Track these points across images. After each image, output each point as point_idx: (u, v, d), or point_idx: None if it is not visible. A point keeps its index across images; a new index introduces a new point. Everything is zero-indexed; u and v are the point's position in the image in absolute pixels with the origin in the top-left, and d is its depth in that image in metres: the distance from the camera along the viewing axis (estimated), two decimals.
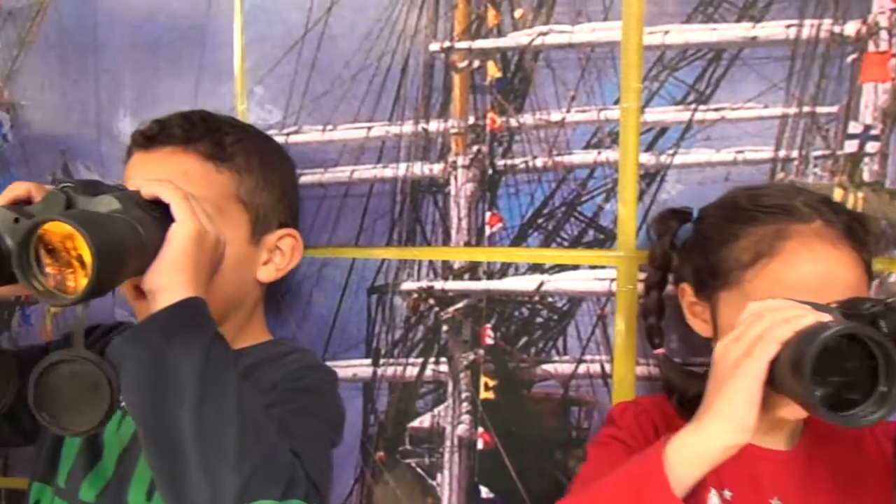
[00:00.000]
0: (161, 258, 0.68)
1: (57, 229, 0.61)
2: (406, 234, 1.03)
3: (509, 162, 1.00)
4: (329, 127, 1.03)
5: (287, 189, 0.94)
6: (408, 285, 1.03)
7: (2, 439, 0.89)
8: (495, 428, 1.01)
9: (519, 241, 1.00)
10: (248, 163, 0.87)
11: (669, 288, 0.93)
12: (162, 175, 0.75)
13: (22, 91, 1.11)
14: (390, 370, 1.04)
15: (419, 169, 1.02)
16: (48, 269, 0.62)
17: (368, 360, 1.04)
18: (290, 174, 0.97)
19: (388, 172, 1.02)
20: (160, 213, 0.70)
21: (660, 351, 0.93)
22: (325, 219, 1.03)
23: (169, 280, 0.68)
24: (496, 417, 1.01)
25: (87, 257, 0.60)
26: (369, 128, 1.02)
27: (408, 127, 1.01)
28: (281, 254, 0.90)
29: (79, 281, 0.61)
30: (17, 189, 0.73)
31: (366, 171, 1.02)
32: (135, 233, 0.66)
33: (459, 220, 1.01)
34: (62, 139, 1.10)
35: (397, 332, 1.03)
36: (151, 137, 0.85)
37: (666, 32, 0.94)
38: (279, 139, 1.01)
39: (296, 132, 1.03)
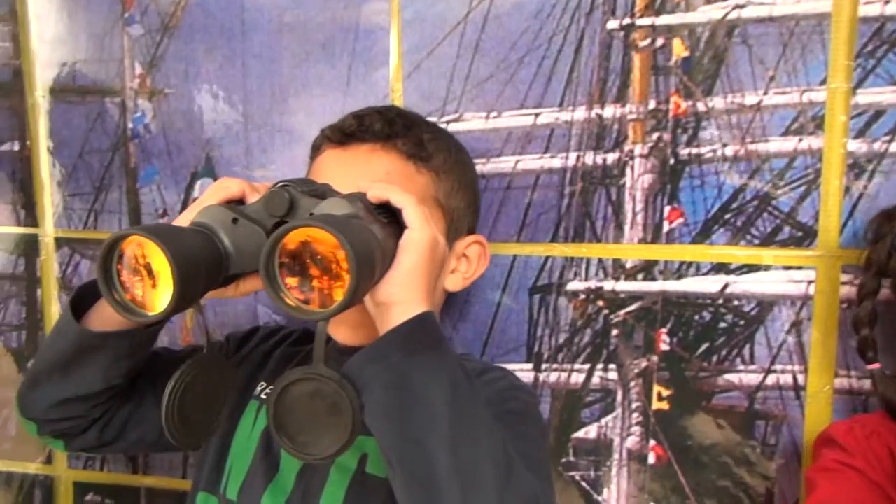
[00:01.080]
0: (397, 268, 0.62)
1: (299, 237, 0.55)
2: (574, 229, 0.95)
3: (694, 150, 0.90)
4: (493, 114, 0.95)
5: (476, 192, 0.88)
6: (574, 285, 0.95)
7: (163, 445, 0.85)
8: (669, 441, 0.94)
9: (702, 238, 0.91)
10: (445, 163, 0.81)
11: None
12: (362, 174, 0.69)
13: (165, 78, 1.07)
14: (553, 376, 0.97)
15: (591, 159, 0.93)
16: (314, 283, 0.55)
17: (530, 365, 0.97)
18: (476, 175, 0.90)
19: (557, 163, 0.94)
20: (388, 219, 0.64)
21: (875, 366, 0.82)
22: (485, 212, 0.95)
23: (406, 293, 0.62)
24: (670, 430, 0.94)
25: (344, 268, 0.54)
26: (537, 114, 0.94)
27: (580, 113, 0.93)
28: (467, 262, 0.84)
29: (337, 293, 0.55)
30: (231, 187, 0.67)
31: (532, 162, 0.95)
32: (376, 240, 0.59)
33: (634, 214, 0.92)
34: (207, 129, 1.06)
35: (562, 336, 0.96)
36: (350, 134, 0.79)
37: (886, 2, 0.83)
38: None
39: (456, 119, 0.96)
